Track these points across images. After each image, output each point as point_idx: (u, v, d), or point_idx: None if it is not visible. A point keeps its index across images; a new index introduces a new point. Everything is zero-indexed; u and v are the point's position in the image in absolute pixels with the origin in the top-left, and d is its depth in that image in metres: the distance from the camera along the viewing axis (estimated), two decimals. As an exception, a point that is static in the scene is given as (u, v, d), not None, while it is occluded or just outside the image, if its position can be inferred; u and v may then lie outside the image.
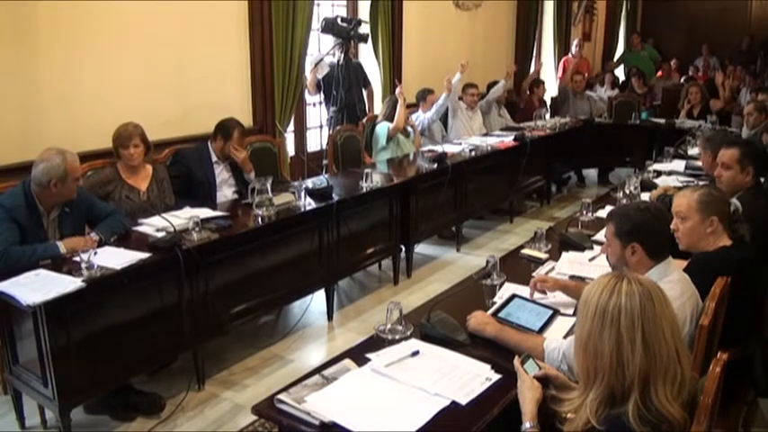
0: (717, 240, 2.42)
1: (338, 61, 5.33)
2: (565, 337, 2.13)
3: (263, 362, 3.59)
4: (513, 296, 2.41)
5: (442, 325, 2.16)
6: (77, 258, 2.73)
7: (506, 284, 2.58)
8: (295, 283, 3.78)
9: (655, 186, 4.05)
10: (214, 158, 4.02)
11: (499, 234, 5.83)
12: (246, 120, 5.11)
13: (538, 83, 7.74)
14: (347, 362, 1.98)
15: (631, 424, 1.41)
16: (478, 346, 2.09)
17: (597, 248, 2.91)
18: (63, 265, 2.81)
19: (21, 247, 2.82)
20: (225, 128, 3.99)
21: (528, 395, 1.73)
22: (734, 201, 2.56)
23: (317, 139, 6.21)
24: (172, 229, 3.09)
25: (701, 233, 2.43)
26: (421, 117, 5.79)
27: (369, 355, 2.00)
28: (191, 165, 3.95)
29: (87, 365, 2.73)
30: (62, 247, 2.87)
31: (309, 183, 4.22)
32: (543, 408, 1.73)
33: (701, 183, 3.78)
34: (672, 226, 2.42)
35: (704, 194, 2.45)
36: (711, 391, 1.51)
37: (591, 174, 7.82)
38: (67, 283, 2.61)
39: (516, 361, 1.82)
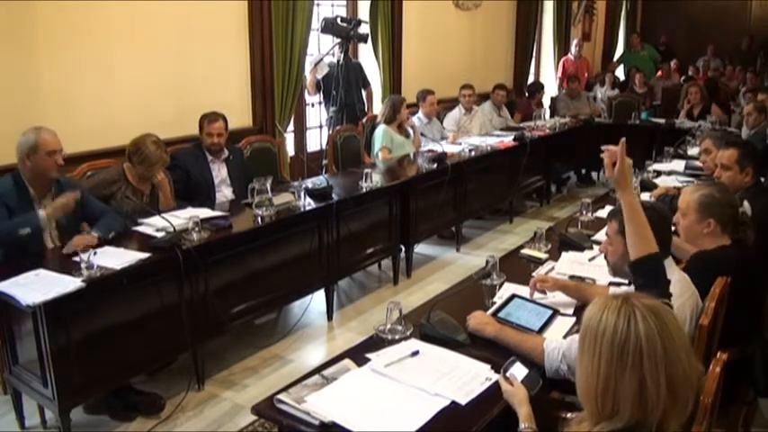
0: (715, 241, 2.43)
1: (338, 61, 5.32)
2: (564, 336, 2.13)
3: (263, 362, 3.59)
4: (513, 296, 2.41)
5: (442, 325, 2.16)
6: (77, 258, 2.73)
7: (506, 284, 2.58)
8: (295, 283, 3.78)
9: (655, 186, 4.05)
10: (210, 158, 4.02)
11: (499, 234, 5.83)
12: (246, 120, 5.12)
13: (539, 87, 7.73)
14: (347, 362, 1.98)
15: None
16: (478, 346, 2.09)
17: (597, 248, 2.91)
18: (63, 265, 2.81)
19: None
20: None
21: (515, 400, 1.73)
22: (744, 204, 2.55)
23: (316, 139, 6.21)
24: (172, 229, 3.09)
25: (697, 232, 2.46)
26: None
27: (369, 355, 2.00)
28: (188, 166, 3.96)
29: (87, 365, 2.73)
30: (43, 213, 2.93)
31: (309, 183, 4.21)
32: (542, 409, 1.73)
33: (699, 181, 3.78)
34: (674, 219, 2.44)
35: (705, 195, 2.45)
36: (711, 391, 1.51)
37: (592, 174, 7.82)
38: (67, 283, 2.61)
39: (500, 374, 1.81)
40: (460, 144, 5.52)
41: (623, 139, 1.88)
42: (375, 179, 4.27)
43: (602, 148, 1.89)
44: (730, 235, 2.45)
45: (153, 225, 3.23)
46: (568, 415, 1.62)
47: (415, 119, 5.78)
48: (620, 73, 10.70)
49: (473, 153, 5.28)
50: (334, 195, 3.93)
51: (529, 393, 1.75)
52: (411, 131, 5.55)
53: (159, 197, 3.61)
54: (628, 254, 2.11)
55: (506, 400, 1.78)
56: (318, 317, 4.12)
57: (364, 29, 5.42)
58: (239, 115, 5.00)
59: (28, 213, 2.94)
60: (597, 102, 8.20)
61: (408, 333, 2.15)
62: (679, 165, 4.80)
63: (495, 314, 2.27)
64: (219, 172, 4.07)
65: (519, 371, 1.81)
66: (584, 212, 3.56)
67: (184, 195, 3.83)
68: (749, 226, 2.49)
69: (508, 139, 5.81)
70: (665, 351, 1.33)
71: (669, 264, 2.14)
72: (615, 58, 11.24)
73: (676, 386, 1.33)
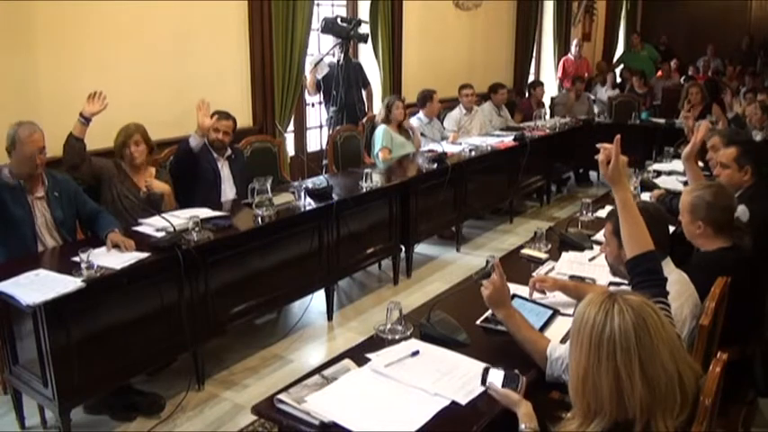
0: (710, 242, 2.45)
1: (338, 61, 5.32)
2: (564, 338, 2.12)
3: (263, 362, 3.59)
4: (513, 296, 2.40)
5: (442, 325, 2.16)
6: (77, 258, 2.73)
7: (506, 284, 2.58)
8: (295, 283, 3.78)
9: (655, 186, 4.05)
10: (215, 155, 4.02)
11: (499, 234, 5.83)
12: (246, 120, 5.11)
13: (537, 84, 7.74)
14: (347, 362, 1.98)
15: None
16: (478, 346, 2.09)
17: (597, 248, 2.91)
18: (63, 265, 2.81)
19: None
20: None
21: (510, 404, 1.72)
22: (740, 208, 2.51)
23: (316, 139, 6.21)
24: (172, 229, 3.09)
25: (692, 232, 2.51)
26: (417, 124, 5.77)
27: (369, 355, 2.01)
28: (198, 153, 3.91)
29: (87, 365, 2.73)
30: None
31: (309, 183, 4.22)
32: (542, 409, 1.73)
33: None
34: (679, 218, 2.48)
35: (697, 197, 2.48)
36: (711, 391, 1.50)
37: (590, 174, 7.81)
38: (67, 283, 2.61)
39: (490, 391, 1.79)
40: (461, 144, 5.52)
41: (618, 137, 1.88)
42: (375, 179, 4.27)
43: (598, 146, 1.89)
44: (725, 238, 2.45)
45: (153, 225, 3.23)
46: (568, 415, 1.62)
47: (415, 119, 5.78)
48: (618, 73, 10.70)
49: (473, 153, 5.28)
50: (334, 195, 3.93)
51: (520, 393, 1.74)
52: (411, 132, 5.55)
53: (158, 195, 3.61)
54: (622, 255, 2.12)
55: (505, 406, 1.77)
56: (318, 317, 4.12)
57: (364, 29, 5.42)
58: (239, 115, 4.96)
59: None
60: (597, 103, 8.22)
61: (408, 333, 2.15)
62: (679, 165, 4.76)
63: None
64: (223, 170, 4.06)
65: (496, 377, 1.78)
66: (584, 212, 3.56)
67: (191, 185, 3.82)
68: (743, 231, 2.47)
69: (508, 139, 5.81)
70: (640, 345, 1.36)
71: (667, 264, 2.14)
72: (615, 59, 11.25)
73: (653, 381, 1.36)
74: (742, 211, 2.47)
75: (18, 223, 2.98)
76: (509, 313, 2.08)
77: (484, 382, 1.79)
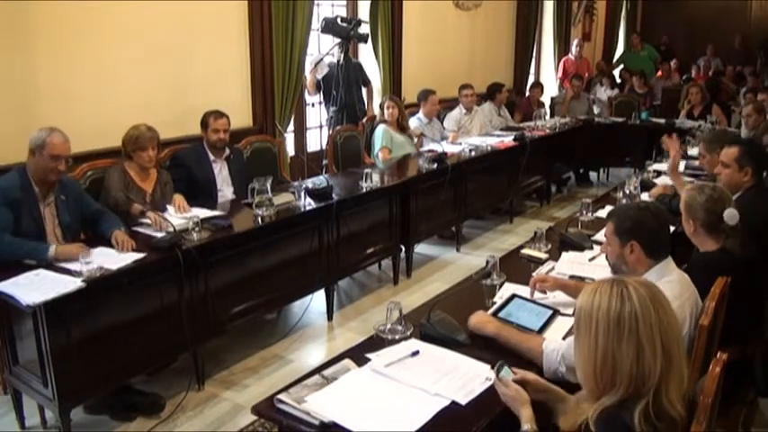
0: (705, 241, 2.46)
1: (338, 61, 5.33)
2: (564, 337, 2.13)
3: (263, 362, 3.59)
4: (513, 296, 2.41)
5: (442, 325, 2.16)
6: (72, 265, 2.73)
7: (506, 284, 2.58)
8: (295, 283, 3.78)
9: (655, 186, 4.05)
10: (212, 157, 4.02)
11: (499, 234, 5.83)
12: (246, 120, 5.12)
13: (534, 86, 7.75)
14: (347, 362, 1.98)
15: (634, 423, 1.39)
16: (478, 346, 2.09)
17: (597, 248, 2.91)
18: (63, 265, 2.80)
19: (11, 237, 2.84)
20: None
21: (517, 403, 1.71)
22: (728, 212, 2.46)
23: (316, 139, 6.21)
24: (172, 229, 3.09)
25: (689, 231, 2.52)
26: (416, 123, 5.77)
27: (369, 355, 2.01)
28: (190, 165, 3.95)
29: (87, 365, 2.73)
30: (53, 250, 2.85)
31: (309, 183, 4.22)
32: (541, 409, 1.73)
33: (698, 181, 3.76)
34: None
35: (689, 197, 2.50)
36: (711, 391, 1.50)
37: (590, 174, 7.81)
38: (67, 283, 2.61)
39: (494, 379, 1.78)
40: (461, 144, 5.52)
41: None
42: (375, 179, 4.27)
43: (493, 380, 1.80)
44: (718, 239, 2.44)
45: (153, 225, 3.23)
46: (570, 404, 1.63)
47: (415, 119, 5.77)
48: (616, 73, 10.71)
49: (473, 153, 5.28)
50: (334, 195, 3.93)
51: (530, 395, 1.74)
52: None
53: (161, 197, 3.60)
54: (624, 254, 2.13)
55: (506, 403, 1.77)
56: (318, 317, 4.12)
57: (364, 29, 5.42)
58: (239, 115, 5.00)
59: (39, 246, 2.88)
60: (598, 102, 8.24)
61: (408, 333, 2.16)
62: (679, 165, 4.78)
63: (495, 314, 2.27)
64: (221, 171, 4.06)
65: (508, 374, 1.79)
66: (585, 212, 3.56)
67: (187, 196, 3.83)
68: (729, 234, 2.44)
69: (508, 139, 5.81)
70: (658, 316, 1.43)
71: (667, 264, 2.15)
72: (615, 59, 11.25)
73: (671, 350, 1.42)
74: (731, 215, 2.42)
75: (28, 238, 2.96)
76: (497, 327, 2.13)
77: (498, 373, 1.78)
